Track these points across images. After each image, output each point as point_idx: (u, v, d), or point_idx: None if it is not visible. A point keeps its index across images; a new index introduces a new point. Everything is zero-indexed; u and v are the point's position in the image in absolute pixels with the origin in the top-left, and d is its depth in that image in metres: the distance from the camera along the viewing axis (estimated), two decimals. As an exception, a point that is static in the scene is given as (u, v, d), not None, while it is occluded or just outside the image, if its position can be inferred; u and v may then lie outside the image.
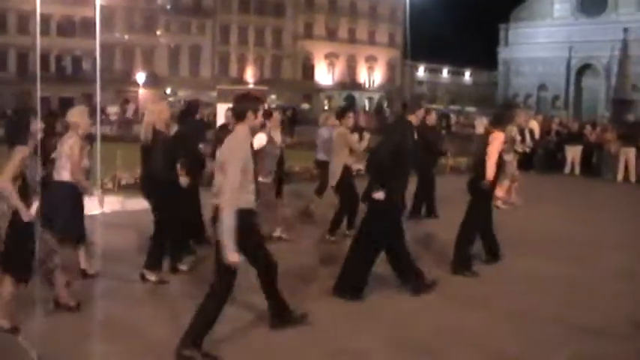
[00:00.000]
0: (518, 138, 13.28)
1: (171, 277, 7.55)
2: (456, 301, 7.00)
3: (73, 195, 6.46)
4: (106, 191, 11.42)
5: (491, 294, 7.25)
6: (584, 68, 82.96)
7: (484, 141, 8.30)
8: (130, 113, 42.45)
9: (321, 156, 11.18)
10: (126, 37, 62.16)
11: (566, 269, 8.45)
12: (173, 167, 7.45)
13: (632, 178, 18.87)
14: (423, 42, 72.28)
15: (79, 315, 6.19)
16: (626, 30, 45.61)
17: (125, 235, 9.39)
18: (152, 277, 7.37)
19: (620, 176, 19.04)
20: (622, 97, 37.39)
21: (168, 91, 65.11)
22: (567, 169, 20.34)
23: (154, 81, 64.22)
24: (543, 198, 14.68)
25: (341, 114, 9.84)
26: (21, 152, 5.77)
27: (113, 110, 38.83)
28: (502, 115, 9.01)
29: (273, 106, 39.96)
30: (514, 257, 8.78)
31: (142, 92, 62.14)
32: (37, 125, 6.15)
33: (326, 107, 71.61)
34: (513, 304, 6.92)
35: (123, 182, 13.65)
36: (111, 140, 20.50)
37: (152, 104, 8.89)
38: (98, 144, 6.37)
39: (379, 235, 6.99)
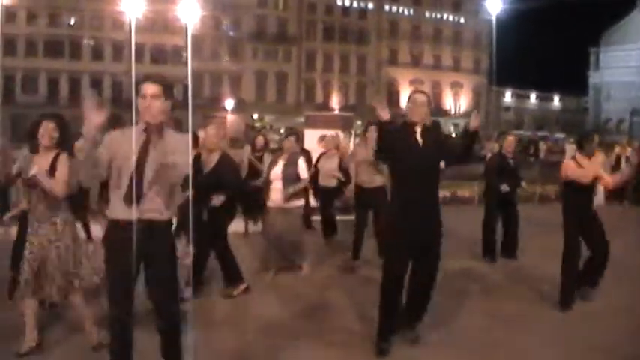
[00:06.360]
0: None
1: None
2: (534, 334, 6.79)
3: None
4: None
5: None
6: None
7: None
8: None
9: None
10: (226, 59, 63.67)
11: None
12: None
13: None
14: (510, 67, 71.56)
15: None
16: None
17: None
18: (235, 291, 7.71)
19: None
20: None
21: (255, 116, 66.41)
22: (664, 201, 19.37)
23: (240, 106, 65.56)
24: (625, 231, 13.04)
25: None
26: None
27: (202, 135, 39.92)
28: None
29: (359, 132, 39.93)
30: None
31: (229, 118, 63.53)
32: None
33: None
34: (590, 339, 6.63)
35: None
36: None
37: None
38: (190, 168, 6.49)
39: None
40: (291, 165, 8.63)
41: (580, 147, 7.73)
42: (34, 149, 5.58)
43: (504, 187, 10.09)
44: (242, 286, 7.80)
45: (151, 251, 4.22)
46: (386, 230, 5.83)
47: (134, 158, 4.20)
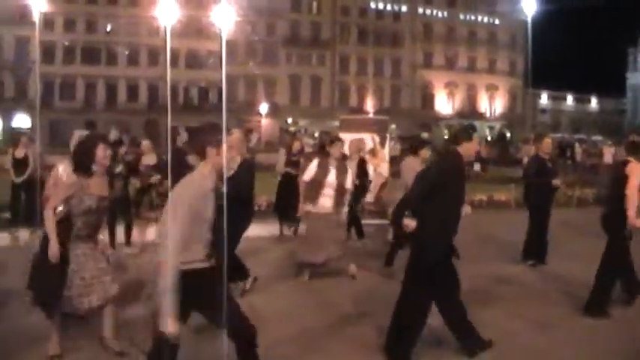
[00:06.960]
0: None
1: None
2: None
3: None
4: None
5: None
6: None
7: (619, 172, 7.25)
8: (253, 142, 43.51)
9: None
10: (251, 64, 64.02)
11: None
12: None
13: None
14: (546, 69, 70.73)
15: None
16: None
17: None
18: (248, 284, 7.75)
19: None
20: None
21: (289, 120, 66.72)
22: None
23: (275, 111, 65.91)
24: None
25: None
26: None
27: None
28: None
29: (393, 135, 39.89)
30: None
31: (264, 122, 63.91)
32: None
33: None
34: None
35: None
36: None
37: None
38: (224, 173, 6.46)
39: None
40: (343, 173, 8.64)
41: (631, 152, 7.26)
42: (89, 174, 5.36)
43: (556, 182, 9.88)
44: (251, 279, 7.82)
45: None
46: (430, 253, 5.77)
47: (209, 210, 4.24)
